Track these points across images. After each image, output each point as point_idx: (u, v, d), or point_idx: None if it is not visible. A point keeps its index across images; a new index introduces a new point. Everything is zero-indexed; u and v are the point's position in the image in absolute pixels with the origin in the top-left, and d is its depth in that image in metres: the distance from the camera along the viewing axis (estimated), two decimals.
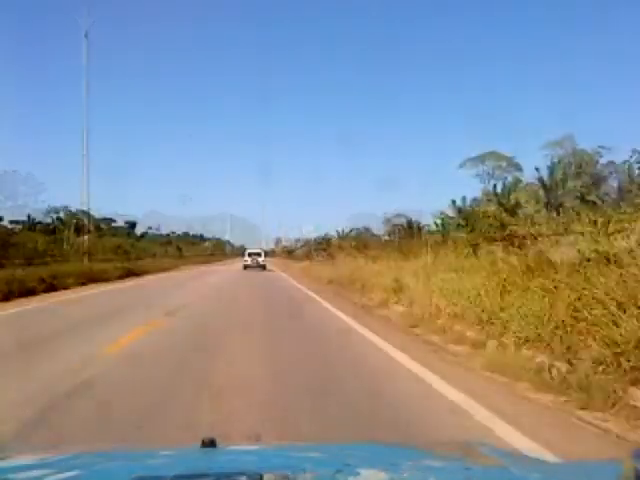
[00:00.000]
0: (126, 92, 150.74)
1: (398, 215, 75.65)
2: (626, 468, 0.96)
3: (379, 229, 78.31)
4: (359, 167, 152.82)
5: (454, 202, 51.24)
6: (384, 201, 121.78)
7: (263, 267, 39.90)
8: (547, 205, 40.91)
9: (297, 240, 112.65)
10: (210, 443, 1.46)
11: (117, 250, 47.50)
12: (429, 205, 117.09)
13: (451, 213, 56.41)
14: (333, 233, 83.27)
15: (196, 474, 1.13)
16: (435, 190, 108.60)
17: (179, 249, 64.08)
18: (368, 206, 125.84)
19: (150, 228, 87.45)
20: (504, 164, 51.76)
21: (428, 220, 79.37)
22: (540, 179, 41.61)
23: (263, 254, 44.31)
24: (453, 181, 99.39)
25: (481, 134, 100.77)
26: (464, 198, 50.57)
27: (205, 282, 20.78)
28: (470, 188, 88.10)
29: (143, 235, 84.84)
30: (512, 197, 45.62)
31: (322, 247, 44.74)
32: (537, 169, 41.60)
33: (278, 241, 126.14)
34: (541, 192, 41.07)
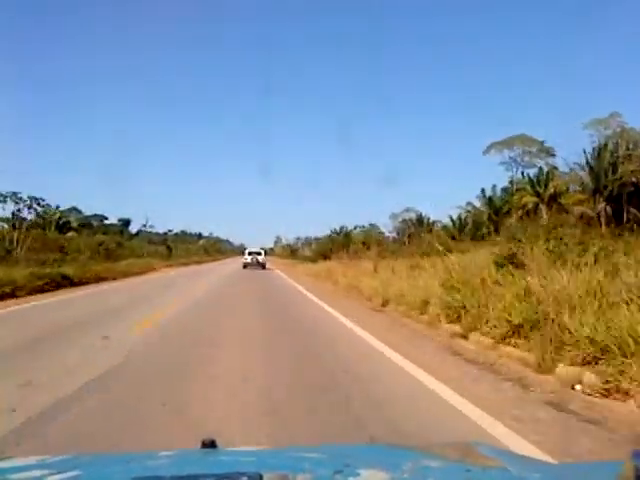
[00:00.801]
0: (127, 92, 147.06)
1: (407, 210, 68.90)
2: (626, 468, 0.96)
3: (386, 225, 71.02)
4: (359, 164, 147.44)
5: (483, 191, 44.03)
6: (387, 198, 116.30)
7: (263, 266, 40.37)
8: (594, 193, 34.24)
9: (297, 238, 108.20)
10: (210, 444, 1.46)
11: (98, 249, 41.44)
12: (438, 201, 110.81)
13: (477, 204, 47.76)
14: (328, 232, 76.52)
15: (196, 475, 1.14)
16: (443, 186, 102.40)
17: (168, 248, 57.44)
18: (370, 204, 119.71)
19: (144, 226, 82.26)
20: (534, 149, 45.31)
21: (438, 216, 70.34)
22: (587, 163, 34.72)
23: (263, 253, 43.43)
24: (464, 176, 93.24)
25: (500, 121, 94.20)
26: (494, 187, 43.55)
27: (158, 307, 12.09)
28: (488, 179, 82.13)
29: (138, 233, 79.71)
30: (551, 185, 38.55)
31: (341, 244, 37.25)
32: (585, 152, 34.74)
33: (278, 239, 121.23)
34: (587, 178, 34.34)
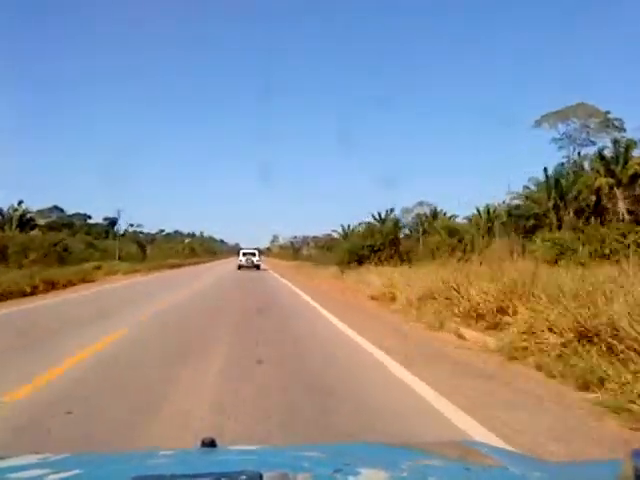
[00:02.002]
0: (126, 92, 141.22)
1: (420, 204, 60.70)
2: (626, 468, 0.97)
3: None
4: (357, 163, 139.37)
5: (545, 171, 34.96)
6: (391, 197, 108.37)
7: (257, 267, 40.39)
8: None
9: (294, 237, 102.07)
10: (210, 443, 1.48)
11: (50, 250, 33.33)
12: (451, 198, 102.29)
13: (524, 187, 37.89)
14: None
15: (196, 474, 1.14)
16: (457, 183, 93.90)
17: (141, 248, 48.67)
18: (370, 202, 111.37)
19: (132, 225, 78.99)
20: (595, 122, 35.65)
21: (452, 210, 59.37)
22: None
23: (257, 254, 43.61)
24: (483, 170, 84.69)
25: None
26: (561, 165, 33.95)
27: None
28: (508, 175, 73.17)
29: (124, 233, 74.12)
30: (632, 163, 28.80)
31: (390, 238, 26.54)
32: None
33: (274, 238, 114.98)
34: None
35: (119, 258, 40.54)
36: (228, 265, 51.56)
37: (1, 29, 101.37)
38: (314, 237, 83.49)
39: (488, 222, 38.07)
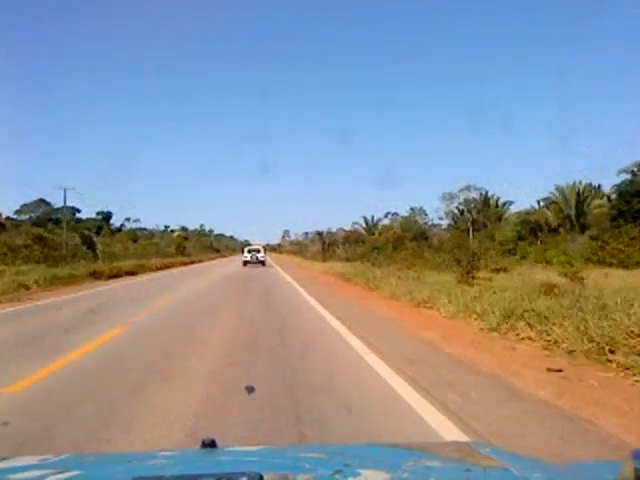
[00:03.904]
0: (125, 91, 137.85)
1: (467, 188, 50.14)
2: (625, 468, 0.97)
3: (437, 210, 51.89)
4: (370, 158, 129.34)
5: None
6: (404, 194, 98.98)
7: (262, 262, 41.87)
8: None
9: (305, 233, 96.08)
10: (210, 444, 1.49)
11: None
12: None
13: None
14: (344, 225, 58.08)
15: (196, 474, 1.15)
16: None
17: (88, 244, 39.91)
18: (384, 199, 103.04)
19: (128, 220, 74.48)
20: None
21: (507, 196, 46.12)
22: None
23: (262, 250, 44.71)
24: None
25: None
26: None
27: None
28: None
29: (120, 229, 70.55)
30: None
31: None
32: None
33: (285, 234, 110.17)
34: None
35: (65, 258, 29.75)
36: (225, 269, 35.81)
37: None
38: (328, 233, 74.79)
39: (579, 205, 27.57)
